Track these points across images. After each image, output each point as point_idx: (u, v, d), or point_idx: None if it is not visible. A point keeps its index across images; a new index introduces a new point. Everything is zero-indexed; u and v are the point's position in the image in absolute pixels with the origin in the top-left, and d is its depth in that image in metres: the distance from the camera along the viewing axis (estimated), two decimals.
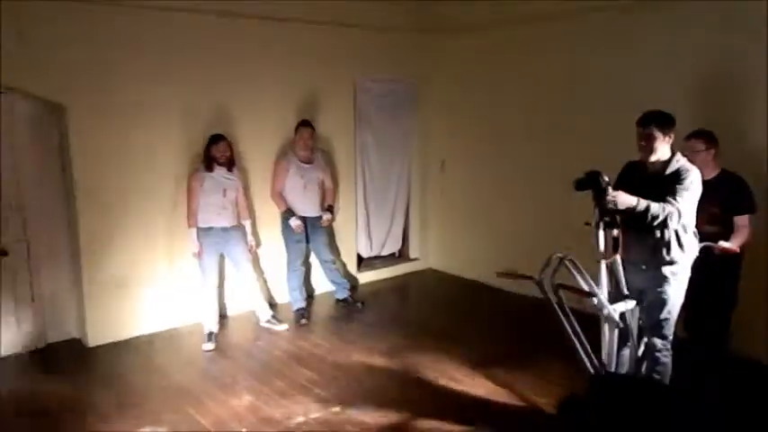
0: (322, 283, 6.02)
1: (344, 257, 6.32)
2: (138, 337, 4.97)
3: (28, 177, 4.63)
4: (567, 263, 3.36)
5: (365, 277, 6.52)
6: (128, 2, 4.59)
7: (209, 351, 4.75)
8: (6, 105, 4.46)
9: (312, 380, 4.24)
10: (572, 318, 3.40)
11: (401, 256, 7.03)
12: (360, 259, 6.59)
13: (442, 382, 4.21)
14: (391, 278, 6.71)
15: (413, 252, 7.05)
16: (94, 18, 4.50)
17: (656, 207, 3.19)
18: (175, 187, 5.04)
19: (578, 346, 3.41)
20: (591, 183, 3.22)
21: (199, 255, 4.88)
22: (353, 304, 5.76)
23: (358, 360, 4.57)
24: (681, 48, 4.65)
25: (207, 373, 4.39)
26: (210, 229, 4.90)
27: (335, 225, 6.08)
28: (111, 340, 4.86)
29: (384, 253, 6.86)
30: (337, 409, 3.84)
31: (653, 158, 3.34)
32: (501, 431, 3.58)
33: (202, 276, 4.95)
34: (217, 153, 4.87)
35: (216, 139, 4.91)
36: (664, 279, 3.35)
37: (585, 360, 3.42)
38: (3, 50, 4.16)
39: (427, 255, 7.06)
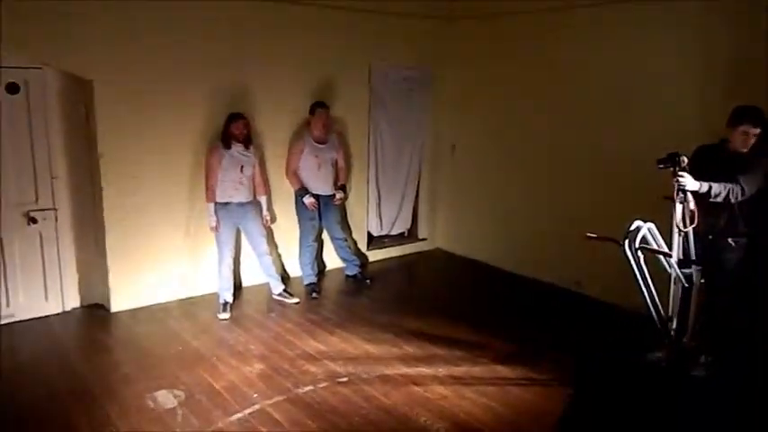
0: (333, 260, 6.16)
1: (355, 235, 6.45)
2: (157, 305, 5.15)
3: (58, 149, 4.82)
4: (649, 230, 3.74)
5: (375, 255, 6.64)
6: None
7: (224, 320, 4.93)
8: (41, 80, 4.64)
9: (321, 351, 4.40)
10: (648, 276, 3.71)
11: (410, 235, 7.12)
12: (370, 237, 6.69)
13: (443, 353, 4.36)
14: (400, 257, 6.83)
15: (422, 232, 7.14)
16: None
17: (717, 187, 3.71)
18: (195, 162, 5.17)
19: (650, 303, 3.77)
20: (670, 161, 3.68)
21: (216, 228, 5.03)
22: (362, 280, 5.89)
23: (365, 332, 4.72)
24: (694, 38, 4.69)
25: (221, 340, 4.57)
26: (228, 203, 5.04)
27: (347, 204, 6.21)
28: (132, 307, 5.05)
29: (394, 232, 6.95)
30: (344, 379, 4.01)
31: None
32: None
33: (219, 249, 5.11)
34: (236, 131, 4.99)
35: (235, 117, 5.03)
36: (727, 248, 3.83)
37: (654, 313, 3.80)
38: (42, 28, 4.33)
39: (435, 235, 7.16)
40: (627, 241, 3.66)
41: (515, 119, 6.10)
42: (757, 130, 3.76)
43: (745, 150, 3.81)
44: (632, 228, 3.75)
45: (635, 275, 3.69)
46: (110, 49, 4.65)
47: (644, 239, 3.72)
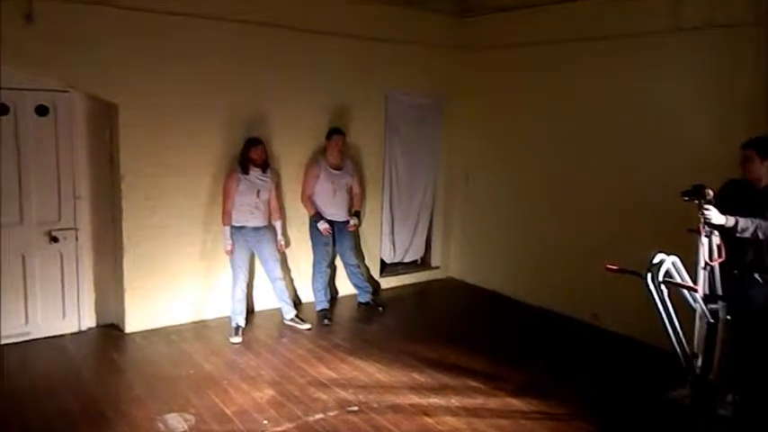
0: (346, 286, 6.17)
1: (368, 262, 6.47)
2: (171, 326, 5.19)
3: (82, 170, 4.93)
4: (672, 263, 3.66)
5: (387, 282, 6.66)
6: (183, 13, 4.85)
7: (236, 344, 4.94)
8: (68, 103, 4.79)
9: (331, 378, 4.40)
10: (671, 311, 3.61)
11: (423, 263, 7.14)
12: (383, 264, 6.71)
13: (455, 383, 4.34)
14: (412, 284, 6.84)
15: (434, 260, 7.15)
16: (151, 25, 4.77)
17: (744, 222, 3.65)
18: (212, 186, 5.26)
19: (674, 338, 3.68)
20: (695, 194, 3.60)
21: (231, 252, 5.09)
22: (375, 308, 5.89)
23: (377, 360, 4.71)
24: (713, 67, 4.70)
25: (233, 364, 4.58)
26: (243, 227, 5.10)
27: (361, 230, 6.23)
28: (146, 328, 5.10)
29: (407, 259, 6.97)
30: (355, 407, 3.99)
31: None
32: None
33: (233, 272, 5.16)
34: (255, 155, 5.08)
35: (254, 142, 5.12)
36: (754, 283, 3.76)
37: (678, 350, 3.70)
38: (70, 54, 4.49)
39: (448, 264, 7.16)
40: (650, 274, 3.56)
41: (530, 148, 6.13)
42: None
43: None
44: (655, 260, 3.64)
45: (658, 310, 3.58)
46: (135, 74, 4.79)
47: (667, 273, 3.64)
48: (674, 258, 3.70)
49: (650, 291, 3.58)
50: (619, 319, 5.29)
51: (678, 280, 3.70)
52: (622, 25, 5.16)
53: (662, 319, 3.63)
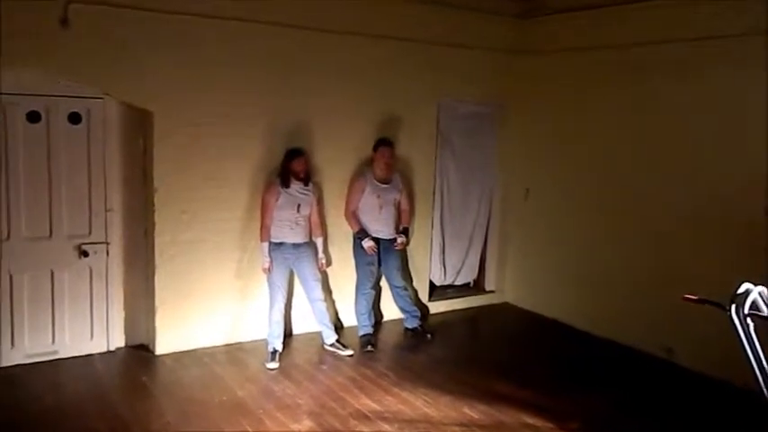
0: (391, 310, 6.16)
1: (416, 284, 6.44)
2: (203, 349, 5.27)
3: (114, 181, 5.08)
4: (759, 294, 3.50)
5: (436, 307, 6.61)
6: (222, 16, 4.98)
7: (273, 370, 4.98)
8: (101, 111, 4.95)
9: (375, 411, 4.37)
10: (758, 347, 3.47)
11: (476, 287, 7.09)
12: (432, 287, 6.67)
13: (510, 420, 4.26)
14: (464, 310, 6.77)
15: (489, 284, 7.08)
16: (188, 30, 4.90)
17: None
18: (250, 199, 5.34)
19: (761, 377, 3.51)
20: None
21: (269, 270, 5.15)
22: (423, 335, 5.85)
23: (424, 392, 4.66)
24: None
25: (268, 392, 4.61)
26: (282, 244, 5.16)
27: (409, 249, 6.22)
28: (177, 349, 5.17)
29: (458, 282, 6.93)
30: None
31: None
32: None
33: (271, 292, 5.21)
34: (297, 167, 5.14)
35: (295, 153, 5.18)
36: None
37: (765, 390, 3.50)
38: (105, 60, 4.65)
39: (504, 288, 7.08)
40: (734, 306, 3.45)
41: (597, 161, 6.04)
42: None
43: None
44: (740, 291, 3.55)
45: (742, 346, 3.46)
46: (172, 81, 4.91)
47: (754, 305, 3.53)
48: (762, 288, 3.55)
49: (734, 324, 3.45)
50: (697, 354, 5.12)
51: (766, 313, 3.58)
52: (712, 26, 5.01)
53: (747, 356, 3.48)
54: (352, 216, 5.65)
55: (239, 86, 5.19)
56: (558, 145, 6.44)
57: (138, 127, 5.10)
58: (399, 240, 5.75)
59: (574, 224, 6.30)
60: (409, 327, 5.96)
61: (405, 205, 5.87)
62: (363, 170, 5.72)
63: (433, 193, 6.49)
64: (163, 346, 5.16)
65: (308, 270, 5.31)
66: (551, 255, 6.55)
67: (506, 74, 6.64)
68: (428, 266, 6.57)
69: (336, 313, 5.97)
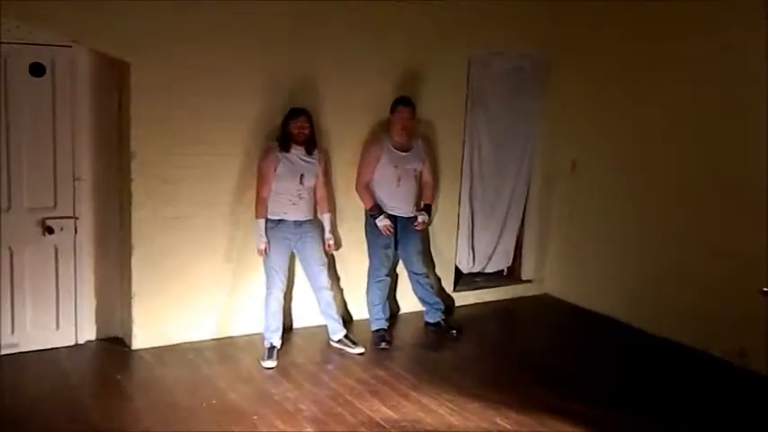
0: (409, 301, 6.15)
1: (439, 271, 6.42)
2: (188, 343, 5.25)
3: (83, 145, 5.03)
4: None
5: (463, 298, 6.61)
6: None
7: (270, 369, 4.96)
8: (69, 61, 4.87)
9: (390, 419, 4.35)
10: None
11: (510, 275, 7.11)
12: (458, 275, 6.66)
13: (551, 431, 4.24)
14: (495, 302, 6.78)
15: (526, 272, 7.08)
16: None
17: None
18: (244, 168, 5.31)
19: None
20: None
21: (265, 252, 5.11)
22: (447, 331, 5.84)
23: (448, 399, 4.64)
24: None
25: (265, 394, 4.59)
26: (281, 221, 5.12)
27: (431, 230, 6.20)
28: (158, 344, 5.16)
29: (489, 270, 6.93)
30: None
31: None
32: None
33: (268, 278, 5.19)
34: (295, 129, 5.08)
35: (295, 112, 5.12)
36: None
37: None
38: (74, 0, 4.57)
39: (544, 277, 7.10)
40: None
41: (658, 130, 5.96)
42: None
43: None
44: None
45: None
46: (153, 26, 4.83)
47: None
48: None
49: None
50: None
51: None
52: None
53: None
54: (364, 189, 5.59)
55: (234, 34, 5.13)
56: (617, 107, 6.34)
57: (113, 81, 5.05)
58: (420, 219, 5.70)
59: (631, 204, 6.24)
60: (431, 321, 5.94)
61: (427, 177, 5.82)
62: (379, 135, 5.66)
63: (462, 164, 6.44)
64: (141, 340, 5.15)
65: (312, 253, 5.28)
66: (604, 240, 6.51)
67: (552, 20, 6.54)
68: (454, 250, 6.55)
69: (345, 304, 5.97)
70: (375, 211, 5.53)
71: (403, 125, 5.53)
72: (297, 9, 5.31)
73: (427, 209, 5.81)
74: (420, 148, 5.73)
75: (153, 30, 4.84)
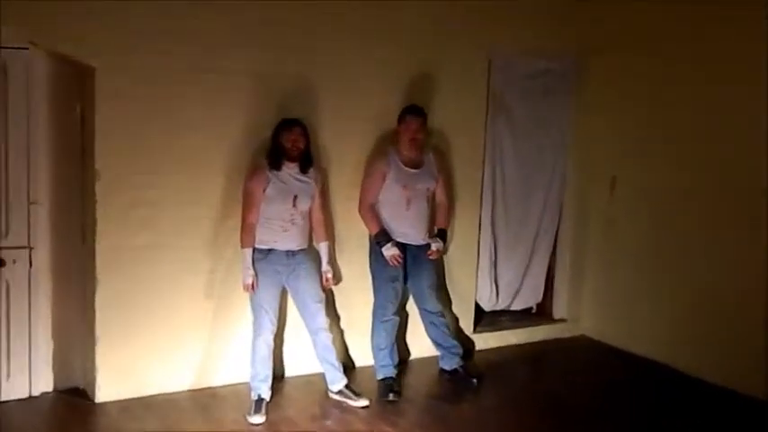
0: (422, 344, 6.13)
1: (456, 309, 6.43)
2: (162, 395, 5.23)
3: (40, 163, 5.03)
4: None
5: (485, 340, 6.61)
6: None
7: (258, 425, 4.93)
8: (24, 66, 4.87)
9: None
10: None
11: (540, 313, 7.13)
12: (479, 313, 6.65)
13: None
14: (523, 345, 6.78)
15: (559, 310, 7.10)
16: None
17: None
18: (228, 189, 5.30)
19: None
20: None
21: (252, 287, 5.08)
22: (465, 379, 5.82)
23: None
24: None
25: None
26: (271, 251, 5.11)
27: (447, 260, 6.22)
28: (125, 396, 5.12)
29: (515, 307, 6.95)
30: None
31: None
32: None
33: (255, 318, 5.16)
34: (288, 143, 5.08)
35: (288, 124, 5.13)
36: None
37: None
38: None
39: (581, 315, 7.11)
40: None
41: (715, 142, 5.93)
42: None
43: None
44: None
45: None
46: (121, 24, 4.84)
47: None
48: None
49: None
50: None
51: None
52: None
53: None
54: (369, 212, 5.59)
55: (217, 34, 5.16)
56: (661, 115, 6.34)
57: (75, 88, 5.06)
58: (434, 247, 5.70)
59: (683, 228, 6.20)
60: (447, 368, 5.93)
61: (441, 197, 5.84)
62: (386, 150, 5.67)
63: (482, 183, 6.46)
64: (106, 392, 5.12)
65: (307, 288, 5.27)
66: (649, 271, 6.49)
67: (587, 15, 6.61)
68: (474, 284, 6.55)
69: (346, 348, 5.96)
70: (381, 237, 5.51)
71: (412, 137, 5.52)
72: (290, 5, 5.35)
73: (442, 235, 5.80)
74: (432, 162, 5.73)
75: (122, 29, 4.85)
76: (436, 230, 5.79)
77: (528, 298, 6.98)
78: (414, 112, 5.58)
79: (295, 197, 5.12)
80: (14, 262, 4.98)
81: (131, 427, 4.82)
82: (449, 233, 6.02)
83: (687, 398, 5.78)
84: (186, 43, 5.06)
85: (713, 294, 5.95)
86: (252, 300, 5.17)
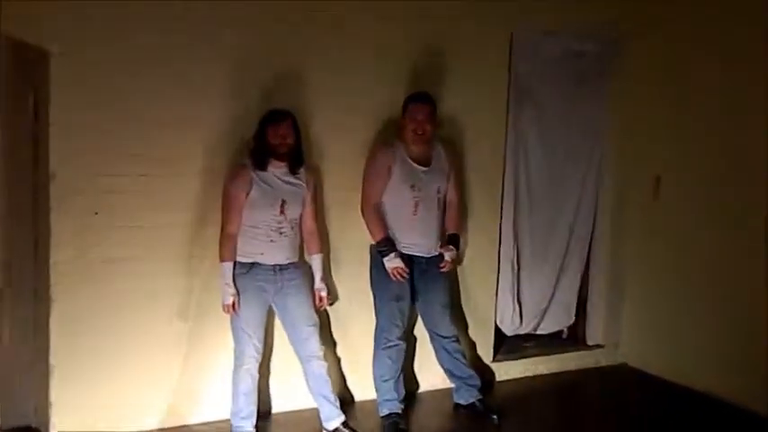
0: (432, 374, 6.12)
1: (474, 332, 6.42)
2: None
3: None
4: None
5: (506, 370, 6.64)
6: None
7: None
8: None
9: None
10: None
11: (572, 338, 7.18)
12: (500, 338, 6.65)
13: None
14: (551, 375, 6.82)
15: (593, 334, 7.14)
16: None
17: None
18: (205, 193, 5.27)
19: None
20: None
21: (233, 307, 5.04)
22: (484, 414, 5.80)
23: None
24: None
25: None
26: (255, 265, 5.09)
27: (463, 276, 6.25)
28: None
29: (542, 331, 6.98)
30: None
31: None
32: None
33: (237, 344, 5.14)
34: (274, 139, 5.04)
35: (276, 116, 5.09)
36: None
37: None
38: None
39: (620, 341, 7.15)
40: None
41: None
42: None
43: None
44: None
45: None
46: (81, 7, 4.81)
47: None
48: None
49: None
50: None
51: None
52: None
53: None
54: (373, 213, 5.54)
55: (188, 16, 5.13)
56: (717, 104, 6.31)
57: (27, 77, 5.03)
58: (448, 256, 5.66)
59: (741, 240, 6.15)
60: (463, 402, 5.93)
61: (452, 196, 5.84)
62: (390, 144, 5.63)
63: (503, 185, 6.45)
64: (62, 430, 5.05)
65: (297, 308, 5.24)
66: (702, 288, 6.47)
67: None
68: (493, 304, 6.56)
69: (344, 379, 5.94)
70: (385, 245, 5.46)
71: (421, 128, 5.47)
72: None
73: (454, 241, 5.76)
74: (442, 157, 5.71)
75: (83, 11, 4.82)
76: (447, 235, 5.76)
77: (557, 320, 7.01)
78: (421, 99, 5.53)
79: (283, 202, 5.10)
80: None
81: None
82: (462, 241, 5.99)
83: None
84: (156, 24, 5.04)
85: None
86: (233, 322, 5.14)
